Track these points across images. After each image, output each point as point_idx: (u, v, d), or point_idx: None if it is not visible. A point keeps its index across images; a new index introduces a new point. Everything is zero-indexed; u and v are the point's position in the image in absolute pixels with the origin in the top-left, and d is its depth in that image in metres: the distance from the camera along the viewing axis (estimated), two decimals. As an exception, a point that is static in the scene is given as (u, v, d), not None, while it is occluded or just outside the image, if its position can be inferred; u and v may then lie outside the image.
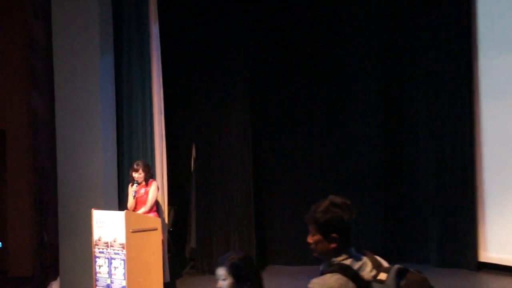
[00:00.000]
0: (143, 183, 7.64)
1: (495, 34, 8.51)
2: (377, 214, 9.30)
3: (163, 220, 7.77)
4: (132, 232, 6.77)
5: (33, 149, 8.02)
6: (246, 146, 9.03)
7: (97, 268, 6.95)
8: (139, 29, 8.14)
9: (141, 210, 7.52)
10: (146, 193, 7.61)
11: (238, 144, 8.99)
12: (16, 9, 8.29)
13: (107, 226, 6.91)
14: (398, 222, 9.32)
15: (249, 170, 9.01)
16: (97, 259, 6.98)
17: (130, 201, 7.63)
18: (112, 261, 6.82)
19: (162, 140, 8.22)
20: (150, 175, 7.71)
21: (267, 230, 9.61)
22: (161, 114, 8.21)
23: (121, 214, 6.83)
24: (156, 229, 7.10)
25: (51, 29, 7.64)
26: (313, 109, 9.45)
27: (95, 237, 7.02)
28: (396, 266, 2.77)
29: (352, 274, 2.71)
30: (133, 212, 7.31)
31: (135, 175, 7.60)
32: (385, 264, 2.84)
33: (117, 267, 6.77)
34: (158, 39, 8.23)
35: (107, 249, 6.87)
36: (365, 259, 2.80)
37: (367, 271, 2.76)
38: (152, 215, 7.52)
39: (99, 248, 6.98)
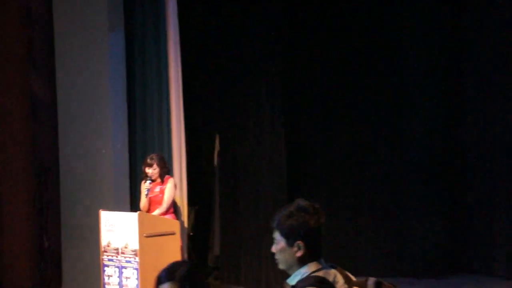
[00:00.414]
0: (158, 179, 7.42)
1: None
2: (434, 220, 8.87)
3: (182, 223, 7.69)
4: (146, 236, 6.75)
5: (31, 139, 8.00)
6: (278, 138, 8.64)
7: (106, 278, 6.96)
8: (154, 1, 8.07)
9: (156, 212, 7.38)
10: (162, 191, 7.45)
11: (269, 135, 8.64)
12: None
13: (118, 229, 6.87)
14: (458, 228, 8.97)
15: (282, 164, 8.62)
16: (105, 268, 6.98)
17: (143, 201, 7.47)
18: (123, 270, 6.82)
19: (180, 130, 8.08)
20: (166, 171, 7.52)
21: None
22: (179, 99, 8.04)
23: (134, 215, 6.80)
24: (174, 234, 7.05)
25: (51, 0, 7.78)
26: (356, 103, 9.01)
27: (104, 242, 6.98)
28: (373, 279, 2.85)
29: None
30: (148, 214, 7.25)
31: (148, 170, 7.36)
32: (353, 278, 2.91)
33: (129, 277, 6.78)
34: (176, 13, 8.04)
35: (117, 257, 6.86)
36: (335, 271, 2.85)
37: (341, 284, 2.82)
38: (169, 217, 7.40)
39: (108, 255, 6.96)
